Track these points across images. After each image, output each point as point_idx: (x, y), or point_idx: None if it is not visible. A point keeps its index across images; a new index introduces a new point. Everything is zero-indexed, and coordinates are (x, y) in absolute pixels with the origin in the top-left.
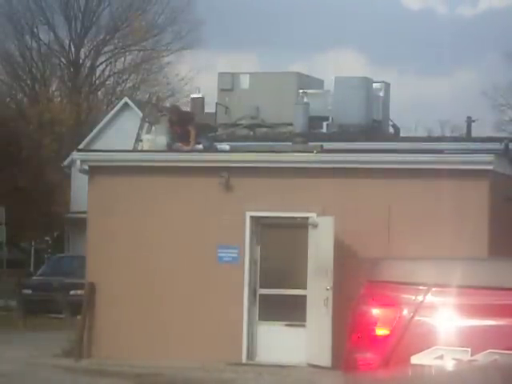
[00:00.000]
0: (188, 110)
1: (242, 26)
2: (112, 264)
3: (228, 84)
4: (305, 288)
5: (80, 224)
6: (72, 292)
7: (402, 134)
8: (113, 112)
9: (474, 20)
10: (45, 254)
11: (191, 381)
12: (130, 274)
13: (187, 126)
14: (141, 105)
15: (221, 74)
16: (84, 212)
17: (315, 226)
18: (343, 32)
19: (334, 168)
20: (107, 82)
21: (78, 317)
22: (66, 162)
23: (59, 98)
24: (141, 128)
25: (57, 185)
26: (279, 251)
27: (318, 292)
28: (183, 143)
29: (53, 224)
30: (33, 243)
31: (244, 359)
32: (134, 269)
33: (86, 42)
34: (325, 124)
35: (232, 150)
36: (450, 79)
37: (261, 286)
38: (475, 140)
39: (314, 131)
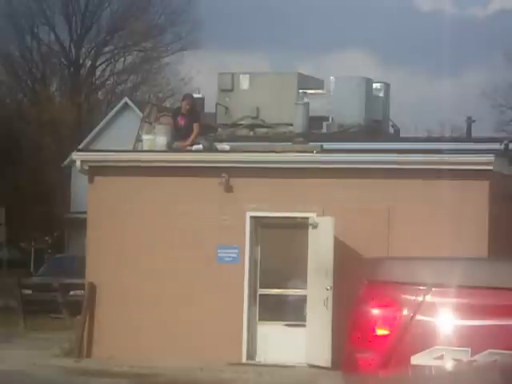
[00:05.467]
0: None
1: (243, 26)
2: (112, 264)
3: (228, 84)
4: (305, 288)
5: (80, 224)
6: (72, 292)
7: (402, 134)
8: (113, 112)
9: (475, 21)
10: (45, 254)
11: (191, 381)
12: (130, 273)
13: (193, 122)
14: (141, 105)
15: (221, 75)
16: (84, 212)
17: (315, 226)
18: (342, 33)
19: (333, 168)
20: (107, 83)
21: (78, 317)
22: (65, 162)
23: (59, 98)
24: (141, 128)
25: (57, 185)
26: (279, 251)
27: (317, 292)
28: (182, 140)
29: (53, 224)
30: (33, 243)
31: (244, 359)
32: (134, 269)
33: (86, 42)
34: (325, 124)
35: (232, 150)
36: (450, 80)
37: (261, 286)
38: (475, 140)
39: (313, 131)
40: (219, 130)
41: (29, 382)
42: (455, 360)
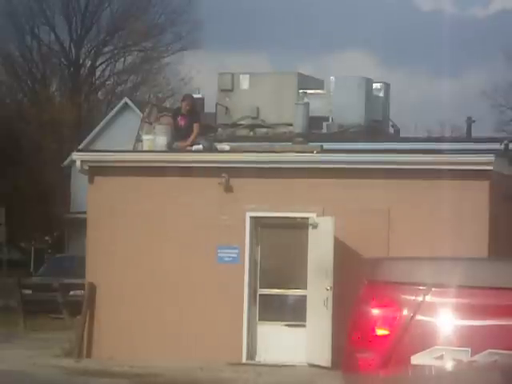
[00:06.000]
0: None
1: (243, 26)
2: (112, 264)
3: (228, 84)
4: (305, 288)
5: (80, 224)
6: (72, 292)
7: (402, 134)
8: (113, 112)
9: (475, 21)
10: (45, 254)
11: (191, 381)
12: (130, 273)
13: (193, 122)
14: (141, 105)
15: (221, 75)
16: (84, 212)
17: (315, 226)
18: (342, 33)
19: (334, 168)
20: (107, 83)
21: (78, 317)
22: (65, 162)
23: (59, 98)
24: (141, 128)
25: (57, 185)
26: (279, 251)
27: (317, 292)
28: (182, 140)
29: (53, 224)
30: (33, 243)
31: (244, 359)
32: (134, 269)
33: (86, 42)
34: (325, 124)
35: (232, 150)
36: (450, 80)
37: (261, 286)
38: (475, 140)
39: (314, 131)
40: (219, 130)
41: (29, 382)
42: (455, 360)
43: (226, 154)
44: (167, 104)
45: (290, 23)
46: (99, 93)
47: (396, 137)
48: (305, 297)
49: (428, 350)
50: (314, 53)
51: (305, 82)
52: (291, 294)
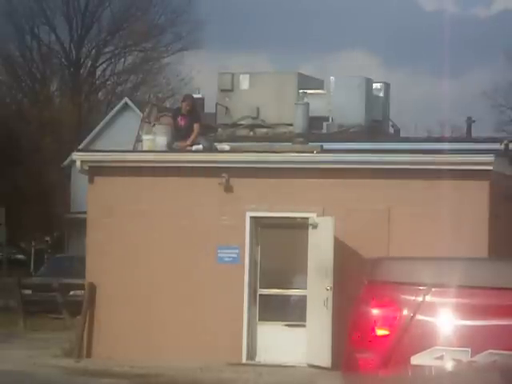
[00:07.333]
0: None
1: (243, 26)
2: (112, 264)
3: (228, 84)
4: (305, 288)
5: (80, 224)
6: (72, 292)
7: (402, 134)
8: (113, 112)
9: (475, 21)
10: (45, 254)
11: (191, 381)
12: (130, 274)
13: (193, 122)
14: (141, 105)
15: (221, 75)
16: (84, 212)
17: (315, 226)
18: (343, 33)
19: (333, 168)
20: (107, 83)
21: (78, 317)
22: (65, 162)
23: (59, 98)
24: (141, 128)
25: (57, 185)
26: (279, 251)
27: (318, 292)
28: (182, 140)
29: (53, 224)
30: (33, 243)
31: (244, 359)
32: (134, 269)
33: (86, 42)
34: (325, 124)
35: (232, 150)
36: (450, 80)
37: (261, 286)
38: (475, 140)
39: (314, 131)
40: (219, 130)
41: (29, 382)
42: (455, 360)
43: (225, 154)
44: (167, 104)
45: (290, 23)
46: (99, 93)
47: (396, 137)
48: (305, 297)
49: (428, 351)
50: (314, 53)
51: (305, 81)
52: (291, 293)
